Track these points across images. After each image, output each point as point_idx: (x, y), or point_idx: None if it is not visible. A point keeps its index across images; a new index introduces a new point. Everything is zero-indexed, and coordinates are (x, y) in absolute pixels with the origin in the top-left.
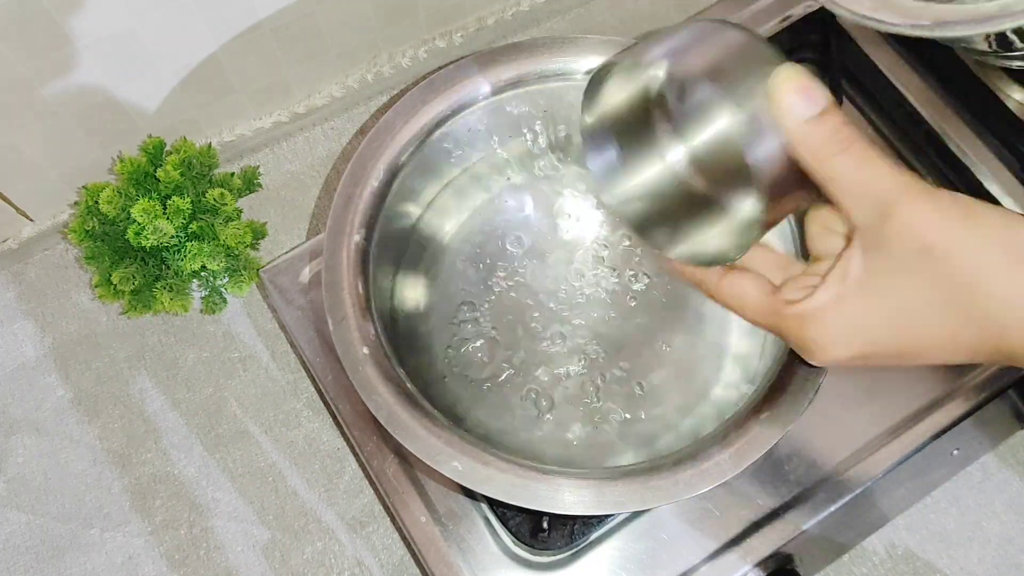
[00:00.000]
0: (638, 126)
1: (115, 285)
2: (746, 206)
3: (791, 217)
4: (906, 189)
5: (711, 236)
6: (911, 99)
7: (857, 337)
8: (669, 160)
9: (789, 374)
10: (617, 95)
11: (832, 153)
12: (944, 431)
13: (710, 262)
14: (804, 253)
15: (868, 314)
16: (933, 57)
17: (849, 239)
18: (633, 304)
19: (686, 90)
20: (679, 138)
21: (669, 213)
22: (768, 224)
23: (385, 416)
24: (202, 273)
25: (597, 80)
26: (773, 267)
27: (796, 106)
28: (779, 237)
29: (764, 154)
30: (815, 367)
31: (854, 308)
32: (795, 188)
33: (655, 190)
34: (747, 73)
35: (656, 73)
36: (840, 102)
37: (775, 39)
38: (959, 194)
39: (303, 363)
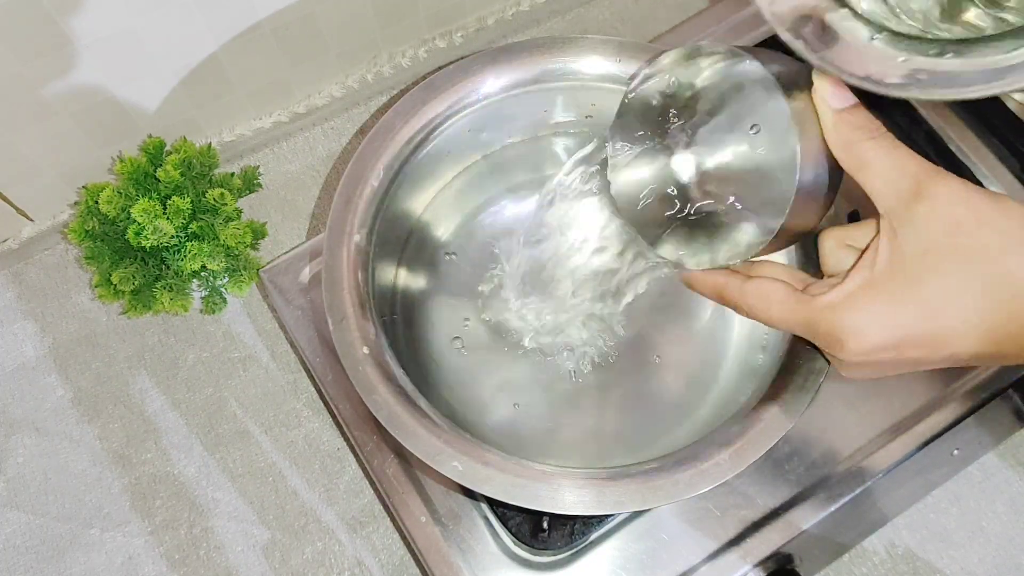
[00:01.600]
0: (664, 122)
1: (115, 285)
2: (755, 223)
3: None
4: (936, 171)
5: (711, 244)
6: (911, 99)
7: (889, 322)
8: (683, 164)
9: (789, 374)
10: (660, 85)
11: (865, 138)
12: (944, 431)
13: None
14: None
15: (900, 297)
16: None
17: (862, 250)
18: (634, 303)
19: (735, 95)
20: (699, 143)
21: (679, 223)
22: (774, 241)
23: (385, 416)
24: (202, 273)
25: (654, 61)
26: (789, 279)
27: (833, 97)
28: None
29: (806, 154)
30: (816, 368)
31: (885, 292)
32: (824, 184)
33: (660, 190)
34: (794, 80)
35: (732, 70)
36: None
37: (775, 40)
38: (980, 187)
39: (303, 363)
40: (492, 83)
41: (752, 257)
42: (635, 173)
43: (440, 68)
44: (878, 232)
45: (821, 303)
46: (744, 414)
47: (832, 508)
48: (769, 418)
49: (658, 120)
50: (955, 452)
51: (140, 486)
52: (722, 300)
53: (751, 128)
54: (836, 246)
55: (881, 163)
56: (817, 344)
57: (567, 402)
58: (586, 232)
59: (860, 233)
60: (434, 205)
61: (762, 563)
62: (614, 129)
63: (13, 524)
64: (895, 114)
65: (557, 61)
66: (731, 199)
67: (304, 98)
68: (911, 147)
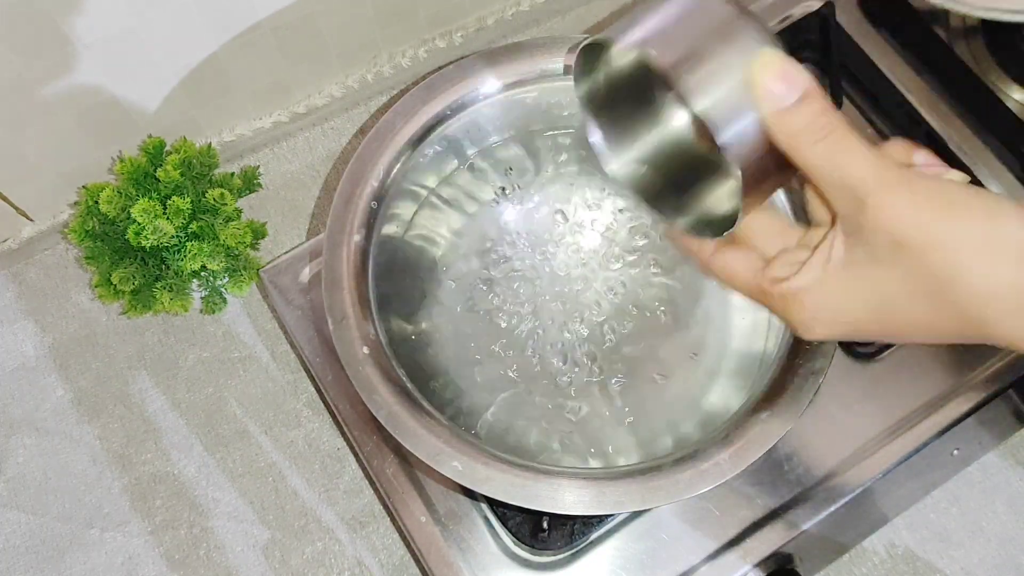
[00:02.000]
0: (637, 92)
1: (115, 285)
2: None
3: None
4: (881, 181)
5: (713, 202)
6: (911, 99)
7: (838, 318)
8: (672, 123)
9: (789, 375)
10: (611, 66)
11: (809, 142)
12: (944, 431)
13: (715, 232)
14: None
15: (848, 298)
16: (933, 57)
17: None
18: (634, 302)
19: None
20: (680, 102)
21: (673, 178)
22: (749, 203)
23: (385, 416)
24: (202, 273)
25: (587, 53)
26: (771, 234)
27: (774, 93)
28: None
29: (739, 138)
30: (816, 368)
31: (835, 291)
32: (775, 171)
33: (658, 153)
34: (729, 57)
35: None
36: (840, 102)
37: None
38: (944, 181)
39: (303, 363)
40: (492, 83)
41: (739, 213)
42: (629, 151)
43: (440, 68)
44: (834, 224)
45: (776, 291)
46: (744, 414)
47: (832, 508)
48: (769, 418)
49: (624, 100)
50: (955, 452)
51: (140, 486)
52: (693, 259)
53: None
54: (819, 199)
55: (827, 169)
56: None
57: (567, 398)
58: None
59: (776, 240)
60: (434, 204)
61: (762, 563)
62: (586, 123)
63: (13, 524)
64: (895, 114)
65: (557, 61)
66: (708, 145)
67: (304, 98)
68: None
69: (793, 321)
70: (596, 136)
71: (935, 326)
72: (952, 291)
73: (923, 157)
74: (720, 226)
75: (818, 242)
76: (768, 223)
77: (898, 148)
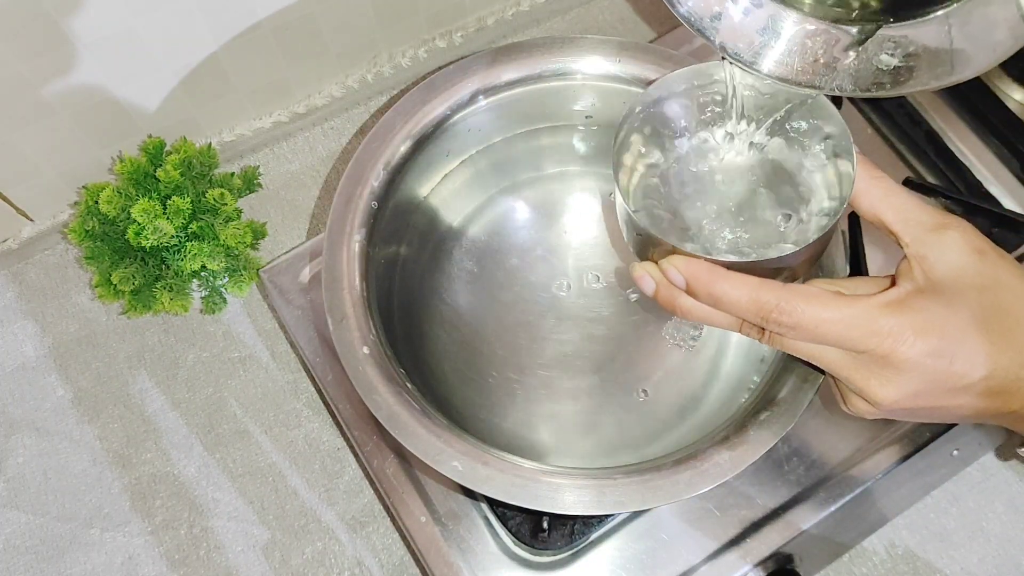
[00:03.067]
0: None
1: (115, 285)
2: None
3: None
4: (949, 215)
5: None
6: (911, 99)
7: (933, 330)
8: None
9: (789, 374)
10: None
11: (883, 184)
12: (944, 431)
13: None
14: None
15: (935, 313)
16: None
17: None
18: (633, 302)
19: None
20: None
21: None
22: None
23: (385, 416)
24: (202, 273)
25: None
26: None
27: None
28: None
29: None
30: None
31: (928, 302)
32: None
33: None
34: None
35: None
36: (840, 102)
37: None
38: None
39: (303, 363)
40: (492, 83)
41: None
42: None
43: (440, 68)
44: (904, 257)
45: (879, 300)
46: (744, 414)
47: (832, 508)
48: (769, 418)
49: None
50: (955, 452)
51: (140, 486)
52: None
53: (821, 137)
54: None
55: (899, 201)
56: (850, 365)
57: (567, 395)
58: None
59: (850, 285)
60: (434, 205)
61: (762, 563)
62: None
63: (13, 524)
64: (895, 114)
65: (557, 61)
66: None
67: (304, 98)
68: (911, 147)
69: (877, 387)
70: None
71: (990, 362)
72: (1015, 306)
73: None
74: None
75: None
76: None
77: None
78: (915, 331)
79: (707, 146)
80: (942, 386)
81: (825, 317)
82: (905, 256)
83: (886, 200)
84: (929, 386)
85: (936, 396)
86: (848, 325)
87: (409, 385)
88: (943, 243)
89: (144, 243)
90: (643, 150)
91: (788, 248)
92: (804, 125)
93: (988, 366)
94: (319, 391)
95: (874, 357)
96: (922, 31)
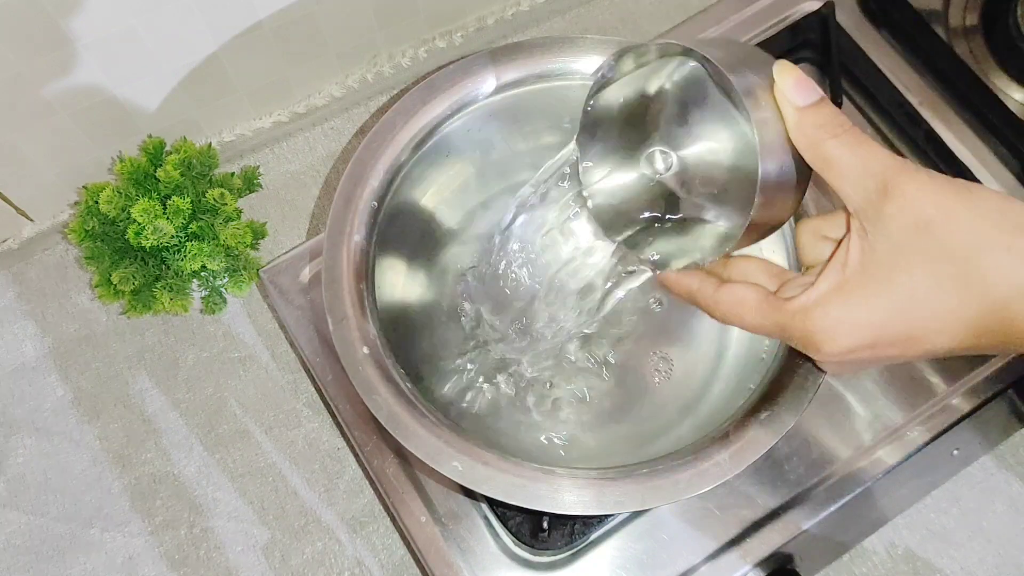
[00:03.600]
0: (632, 125)
1: (115, 285)
2: (726, 219)
3: (786, 231)
4: (903, 167)
5: (688, 242)
6: (911, 99)
7: (862, 322)
8: (655, 166)
9: (789, 374)
10: (623, 89)
11: (829, 136)
12: (944, 431)
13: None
14: (797, 266)
15: (872, 298)
16: (933, 57)
17: (839, 241)
18: (632, 301)
19: (698, 93)
20: (668, 144)
21: (645, 218)
22: (746, 235)
23: (385, 416)
24: (202, 273)
25: (610, 66)
26: (765, 277)
27: (794, 94)
28: (775, 250)
29: (770, 143)
30: (815, 368)
31: (857, 294)
32: (791, 185)
33: (634, 193)
34: (755, 75)
35: (673, 69)
36: (840, 102)
37: (775, 39)
38: (950, 177)
39: (303, 363)
40: (492, 83)
41: (729, 251)
42: (608, 180)
43: (440, 68)
44: (849, 230)
45: (793, 307)
46: (744, 414)
47: (832, 508)
48: (769, 418)
49: (623, 126)
50: (955, 452)
51: (140, 486)
52: (695, 304)
53: (715, 126)
54: (812, 238)
55: (846, 162)
56: (793, 346)
57: (567, 398)
58: (560, 245)
59: (835, 223)
60: (434, 205)
61: (762, 563)
62: (581, 140)
63: (13, 524)
64: (895, 114)
65: (557, 61)
66: (702, 198)
67: (304, 98)
68: (911, 147)
69: (814, 336)
70: (585, 160)
71: (957, 318)
72: (975, 268)
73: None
74: (688, 264)
75: (824, 262)
76: (762, 267)
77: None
78: (828, 336)
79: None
80: (879, 363)
81: (748, 324)
82: (848, 228)
83: (831, 155)
84: (867, 364)
85: (880, 363)
86: (769, 330)
87: (409, 385)
88: (884, 217)
89: (144, 243)
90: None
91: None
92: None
93: (928, 344)
94: (319, 391)
95: (804, 351)
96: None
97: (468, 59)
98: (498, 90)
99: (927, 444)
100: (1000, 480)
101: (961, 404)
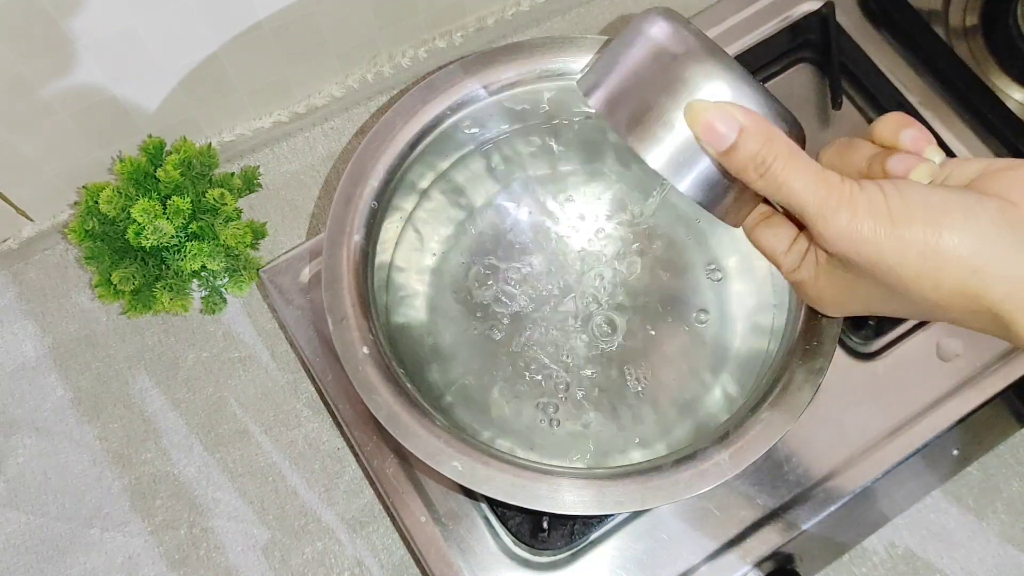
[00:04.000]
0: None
1: (115, 285)
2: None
3: None
4: (823, 206)
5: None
6: (911, 99)
7: (839, 303)
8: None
9: (789, 374)
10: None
11: (754, 177)
12: (944, 431)
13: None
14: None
15: (839, 292)
16: (933, 57)
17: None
18: (631, 300)
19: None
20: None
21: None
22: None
23: (385, 416)
24: (202, 273)
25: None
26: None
27: (713, 137)
28: None
29: (699, 182)
30: (816, 368)
31: (827, 286)
32: (746, 194)
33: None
34: (672, 111)
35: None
36: (840, 102)
37: (775, 39)
38: (897, 186)
39: (303, 363)
40: (492, 82)
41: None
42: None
43: (440, 68)
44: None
45: (790, 279)
46: (744, 414)
47: (832, 508)
48: (769, 418)
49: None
50: (955, 452)
51: (140, 486)
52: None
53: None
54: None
55: (776, 198)
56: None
57: (568, 400)
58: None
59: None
60: (434, 204)
61: (762, 563)
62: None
63: (13, 524)
64: None
65: (557, 61)
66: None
67: (304, 98)
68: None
69: (807, 301)
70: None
71: (909, 311)
72: (911, 299)
73: (910, 135)
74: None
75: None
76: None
77: (890, 124)
78: (820, 304)
79: None
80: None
81: (769, 260)
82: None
83: (763, 190)
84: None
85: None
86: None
87: (409, 385)
88: (825, 237)
89: (144, 243)
90: None
91: None
92: None
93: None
94: (319, 391)
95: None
96: None
97: (468, 59)
98: (498, 90)
99: (927, 444)
100: (1000, 480)
101: (961, 404)
